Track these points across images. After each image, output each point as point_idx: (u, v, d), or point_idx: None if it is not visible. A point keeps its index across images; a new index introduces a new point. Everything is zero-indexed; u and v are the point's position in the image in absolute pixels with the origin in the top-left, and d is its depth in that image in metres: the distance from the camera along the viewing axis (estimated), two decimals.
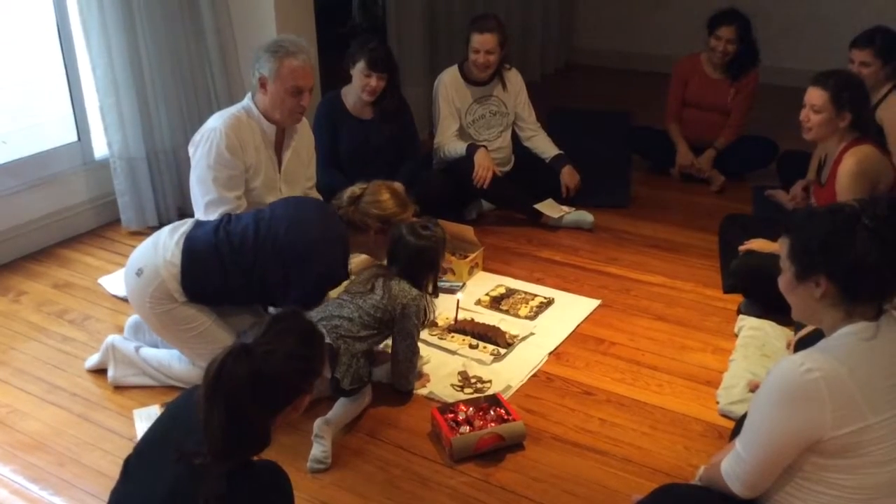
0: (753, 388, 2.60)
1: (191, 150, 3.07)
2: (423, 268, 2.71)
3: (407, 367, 2.70)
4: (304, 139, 3.26)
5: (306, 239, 2.69)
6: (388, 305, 2.61)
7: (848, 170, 2.99)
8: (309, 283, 2.70)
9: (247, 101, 3.08)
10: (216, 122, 3.00)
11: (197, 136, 3.03)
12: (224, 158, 2.95)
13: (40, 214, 3.77)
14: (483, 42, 3.91)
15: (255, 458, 1.69)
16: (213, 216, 2.96)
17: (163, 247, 2.72)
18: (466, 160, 3.93)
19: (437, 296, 2.80)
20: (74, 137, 3.92)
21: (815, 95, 3.06)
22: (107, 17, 3.62)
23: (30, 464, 2.47)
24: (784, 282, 1.80)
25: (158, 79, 3.84)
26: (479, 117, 4.10)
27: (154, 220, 3.94)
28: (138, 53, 3.75)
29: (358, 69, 3.67)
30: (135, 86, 3.74)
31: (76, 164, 3.93)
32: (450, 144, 4.02)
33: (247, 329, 1.70)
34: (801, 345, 2.45)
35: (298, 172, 3.25)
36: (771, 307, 3.01)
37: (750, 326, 3.01)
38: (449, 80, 4.06)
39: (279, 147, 3.16)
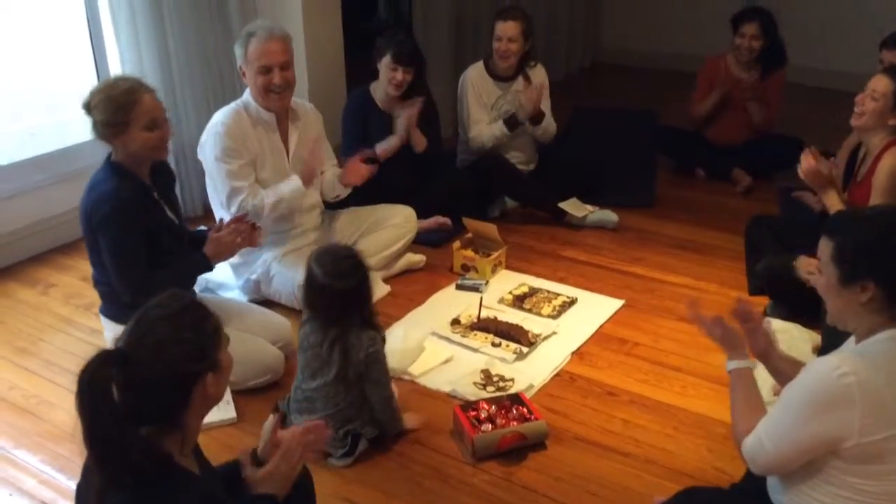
0: (778, 392, 2.58)
1: (200, 154, 3.16)
2: (353, 305, 2.38)
3: (389, 414, 2.48)
4: (308, 122, 3.31)
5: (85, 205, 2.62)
6: (350, 367, 2.38)
7: (889, 168, 2.96)
8: (108, 232, 2.55)
9: (246, 94, 3.16)
10: (217, 117, 3.12)
11: (202, 138, 3.14)
12: (230, 148, 3.04)
13: (68, 208, 3.79)
14: (505, 29, 3.91)
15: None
16: (234, 208, 3.05)
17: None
18: (491, 155, 3.95)
19: (377, 315, 2.49)
20: None
21: (881, 83, 3.03)
22: (136, 14, 3.66)
23: (57, 454, 2.51)
24: (825, 285, 1.77)
25: (186, 75, 3.88)
26: (505, 112, 4.09)
27: None
28: (167, 49, 3.80)
29: (384, 63, 3.68)
30: (163, 82, 3.78)
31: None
32: (486, 131, 4.02)
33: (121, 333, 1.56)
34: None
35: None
36: (797, 310, 3.00)
37: (776, 329, 2.97)
38: (475, 75, 4.06)
39: (285, 136, 3.20)
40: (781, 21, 4.35)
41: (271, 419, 1.85)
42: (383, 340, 2.44)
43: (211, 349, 1.57)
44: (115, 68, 3.79)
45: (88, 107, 2.53)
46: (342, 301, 2.36)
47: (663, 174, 4.57)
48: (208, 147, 3.08)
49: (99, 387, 1.42)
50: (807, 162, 3.00)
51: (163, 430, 1.53)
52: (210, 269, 2.80)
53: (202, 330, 1.56)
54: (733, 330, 1.99)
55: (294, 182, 3.15)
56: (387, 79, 3.70)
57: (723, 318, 1.99)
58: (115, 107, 2.49)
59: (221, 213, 3.12)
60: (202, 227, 3.28)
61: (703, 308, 2.03)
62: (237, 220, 2.85)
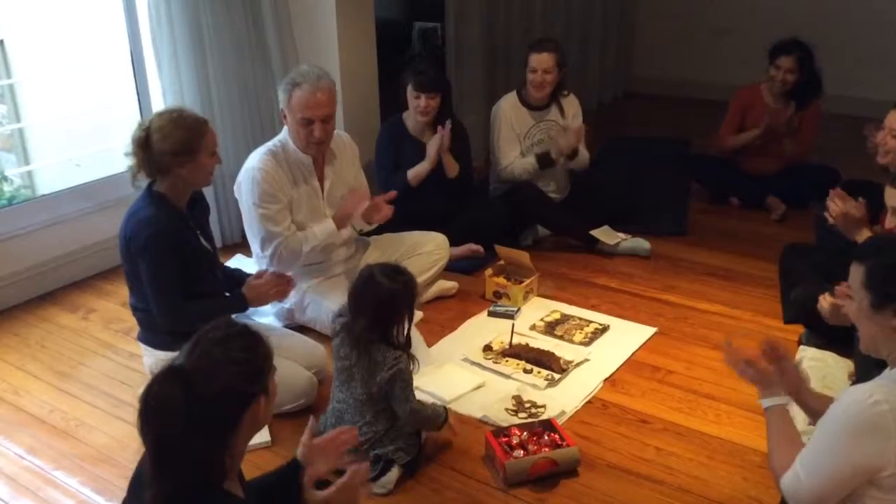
0: (812, 422, 2.55)
1: (236, 193, 3.21)
2: (392, 314, 2.43)
3: (420, 424, 2.50)
4: (344, 160, 3.34)
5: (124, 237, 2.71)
6: (374, 384, 2.40)
7: None
8: (146, 257, 2.62)
9: (283, 134, 3.18)
10: (253, 160, 3.13)
11: (239, 177, 3.17)
12: (266, 193, 3.07)
13: (111, 235, 3.84)
14: (540, 61, 3.96)
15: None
16: (269, 252, 3.10)
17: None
18: (523, 184, 3.99)
19: (409, 346, 2.50)
20: None
21: None
22: (178, 46, 3.77)
23: (96, 475, 2.55)
24: (856, 310, 1.77)
25: (226, 106, 3.98)
26: (538, 141, 4.12)
27: (219, 241, 4.05)
28: (207, 81, 3.90)
29: (408, 92, 3.76)
30: (203, 112, 3.86)
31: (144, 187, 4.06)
32: (518, 163, 4.06)
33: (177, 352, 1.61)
34: None
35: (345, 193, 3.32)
36: (832, 338, 2.96)
37: (811, 357, 2.95)
38: (508, 105, 4.11)
39: (321, 175, 3.24)
40: (820, 50, 4.34)
41: (309, 425, 1.92)
42: (410, 359, 2.44)
43: (265, 373, 1.63)
44: (157, 101, 3.90)
45: (146, 142, 2.58)
46: (384, 304, 2.39)
47: (696, 202, 4.57)
48: (244, 190, 3.13)
49: (165, 401, 1.48)
50: (835, 206, 2.98)
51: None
52: (245, 309, 2.87)
53: (257, 353, 1.63)
54: (765, 368, 1.98)
55: (328, 225, 3.19)
56: (412, 107, 3.78)
57: (753, 359, 1.98)
58: (189, 135, 2.58)
59: (257, 249, 3.19)
60: (238, 265, 3.34)
61: (738, 341, 2.04)
62: (279, 276, 2.91)
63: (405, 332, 2.47)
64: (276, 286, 2.88)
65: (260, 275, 2.89)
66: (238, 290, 2.82)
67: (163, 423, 1.48)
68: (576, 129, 4.05)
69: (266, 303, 2.92)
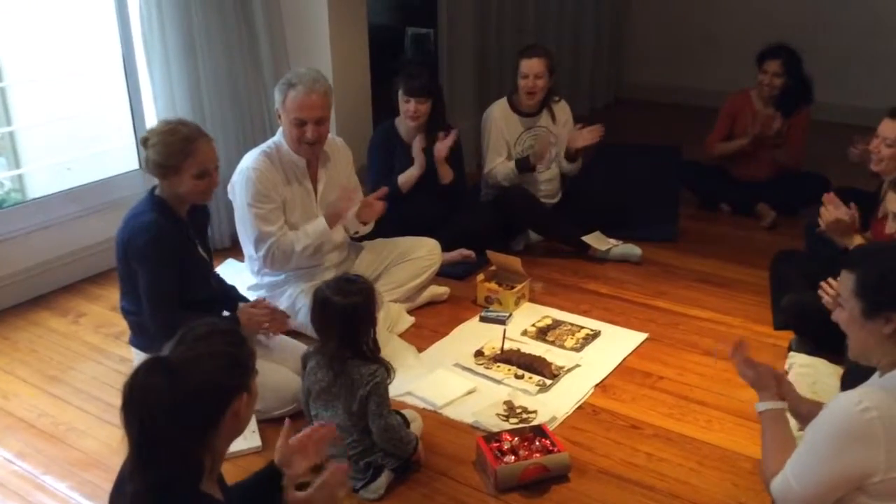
0: (803, 428, 2.56)
1: (230, 194, 3.21)
2: (357, 328, 2.40)
3: (391, 444, 2.43)
4: (338, 163, 3.34)
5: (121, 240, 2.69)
6: (354, 402, 2.39)
7: None
8: (145, 263, 2.63)
9: (278, 135, 3.19)
10: (247, 161, 3.14)
11: (234, 178, 3.17)
12: (260, 193, 3.08)
13: (102, 239, 3.89)
14: (530, 67, 3.97)
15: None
16: (262, 252, 3.11)
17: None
18: (514, 189, 4.00)
19: (378, 350, 2.47)
20: (136, 165, 4.06)
21: (890, 129, 3.04)
22: (169, 51, 3.77)
23: (86, 480, 2.54)
24: (847, 318, 1.77)
25: (217, 110, 3.98)
26: (529, 147, 4.13)
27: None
28: (198, 85, 3.89)
29: (399, 96, 3.77)
30: (194, 116, 3.86)
31: (137, 190, 4.01)
32: (500, 167, 4.07)
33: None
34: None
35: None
36: (822, 345, 2.98)
37: (801, 364, 2.97)
38: (499, 112, 4.12)
39: (314, 178, 3.24)
40: (809, 57, 4.36)
41: (285, 427, 1.92)
42: (387, 371, 2.42)
43: (248, 370, 1.63)
44: (149, 105, 3.89)
45: (146, 143, 2.64)
46: (347, 321, 2.37)
47: (687, 209, 4.58)
48: (238, 189, 3.13)
49: (150, 390, 1.48)
50: (828, 213, 2.99)
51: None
52: None
53: (241, 349, 1.63)
54: (764, 372, 1.99)
55: (320, 224, 3.18)
56: (403, 111, 3.79)
57: (754, 360, 2.00)
58: (171, 151, 2.59)
59: (250, 251, 3.19)
60: (229, 270, 3.33)
61: (728, 348, 2.05)
62: (274, 308, 2.92)
63: (373, 337, 2.44)
64: (271, 317, 2.86)
65: (257, 303, 2.89)
66: (233, 314, 2.83)
67: (147, 412, 1.47)
68: (591, 128, 4.04)
69: (257, 331, 2.90)
